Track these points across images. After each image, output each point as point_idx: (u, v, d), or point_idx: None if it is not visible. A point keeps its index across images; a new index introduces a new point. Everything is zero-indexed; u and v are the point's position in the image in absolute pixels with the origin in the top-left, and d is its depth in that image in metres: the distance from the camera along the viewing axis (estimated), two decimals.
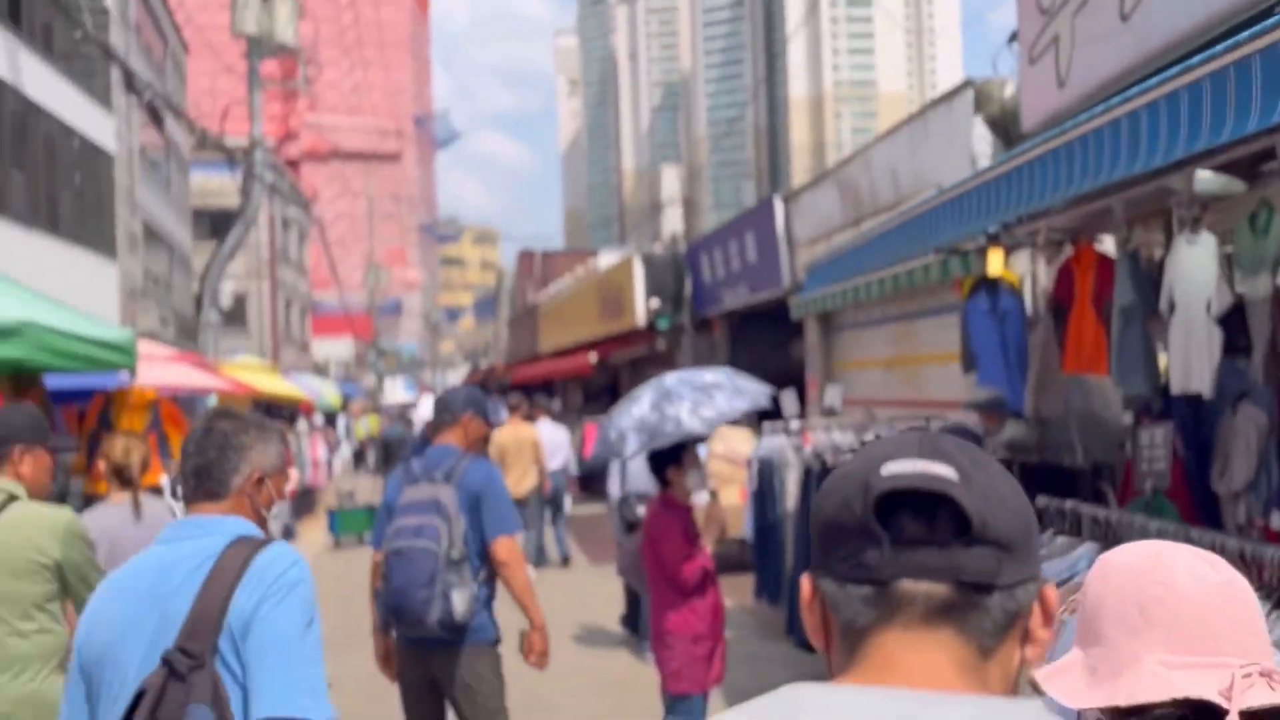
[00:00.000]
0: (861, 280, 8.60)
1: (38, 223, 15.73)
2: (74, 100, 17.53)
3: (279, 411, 17.11)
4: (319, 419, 20.17)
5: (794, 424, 7.91)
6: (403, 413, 24.19)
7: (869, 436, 6.97)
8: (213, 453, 2.15)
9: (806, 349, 11.97)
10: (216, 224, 29.62)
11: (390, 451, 13.48)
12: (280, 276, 36.77)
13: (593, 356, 19.02)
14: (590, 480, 17.82)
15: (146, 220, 22.95)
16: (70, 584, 3.13)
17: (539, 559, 11.05)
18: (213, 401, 16.49)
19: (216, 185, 31.82)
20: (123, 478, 4.28)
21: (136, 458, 4.30)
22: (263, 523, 2.20)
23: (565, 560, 11.43)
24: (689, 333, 16.14)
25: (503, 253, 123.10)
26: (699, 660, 4.14)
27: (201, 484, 2.15)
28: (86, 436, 6.30)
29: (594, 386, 23.95)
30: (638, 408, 4.20)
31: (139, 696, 1.84)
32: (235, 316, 32.21)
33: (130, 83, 16.84)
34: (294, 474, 16.29)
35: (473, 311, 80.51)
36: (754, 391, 4.37)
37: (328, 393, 22.44)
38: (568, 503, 12.16)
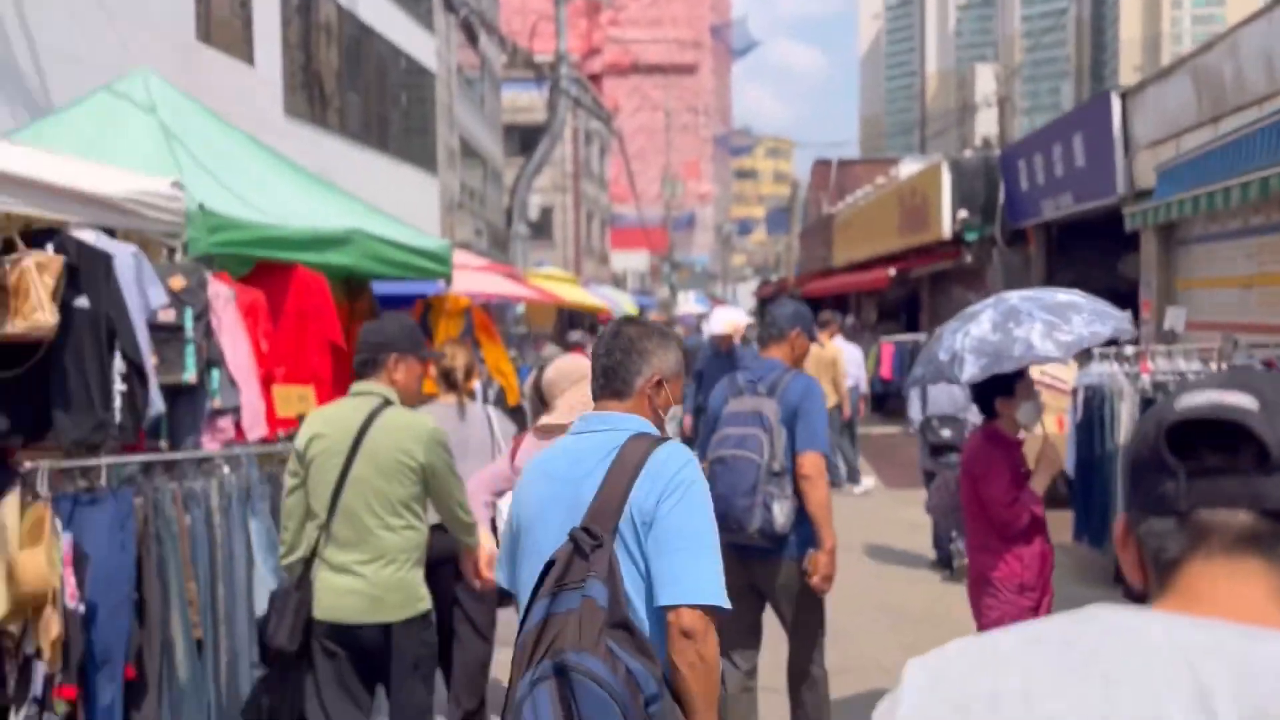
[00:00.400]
0: (1218, 186, 7.47)
1: (369, 141, 17.02)
2: (402, 23, 18.66)
3: (580, 320, 17.75)
4: None
5: (1128, 349, 7.04)
6: (700, 324, 24.51)
7: (1222, 366, 6.06)
8: (619, 355, 2.33)
9: (1142, 265, 10.71)
10: (525, 139, 31.01)
11: (689, 361, 13.62)
12: (582, 189, 38.05)
13: (890, 271, 18.20)
14: (883, 400, 17.22)
15: (463, 136, 24.32)
16: (431, 486, 3.35)
17: (834, 478, 10.80)
18: (520, 310, 17.39)
19: (526, 101, 33.22)
20: (449, 381, 4.57)
21: (462, 362, 4.58)
22: (660, 423, 2.35)
23: (854, 480, 11.12)
24: (1000, 246, 14.98)
25: (796, 164, 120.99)
26: (1024, 611, 3.72)
27: (609, 383, 2.33)
28: None
29: (890, 302, 23.04)
30: (976, 327, 3.74)
31: (549, 565, 2.08)
32: (541, 229, 33.79)
33: (449, 3, 17.67)
34: None
35: (764, 224, 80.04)
36: (1117, 316, 3.79)
37: (625, 303, 23.06)
38: (859, 423, 11.76)
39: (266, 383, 4.33)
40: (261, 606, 3.77)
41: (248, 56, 12.78)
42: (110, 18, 9.33)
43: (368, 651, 3.27)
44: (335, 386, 4.78)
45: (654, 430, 2.28)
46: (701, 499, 2.14)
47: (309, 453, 3.29)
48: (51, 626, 3.18)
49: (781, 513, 3.66)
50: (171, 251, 4.15)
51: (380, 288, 6.71)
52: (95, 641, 3.32)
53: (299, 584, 3.28)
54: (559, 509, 2.18)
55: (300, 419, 4.34)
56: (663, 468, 2.12)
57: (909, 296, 21.35)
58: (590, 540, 2.06)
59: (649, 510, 2.09)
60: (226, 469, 3.83)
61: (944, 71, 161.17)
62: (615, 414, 2.30)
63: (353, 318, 5.95)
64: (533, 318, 17.20)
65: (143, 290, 3.67)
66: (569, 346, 14.60)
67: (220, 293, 4.13)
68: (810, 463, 3.71)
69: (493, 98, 29.92)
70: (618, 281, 45.68)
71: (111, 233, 3.79)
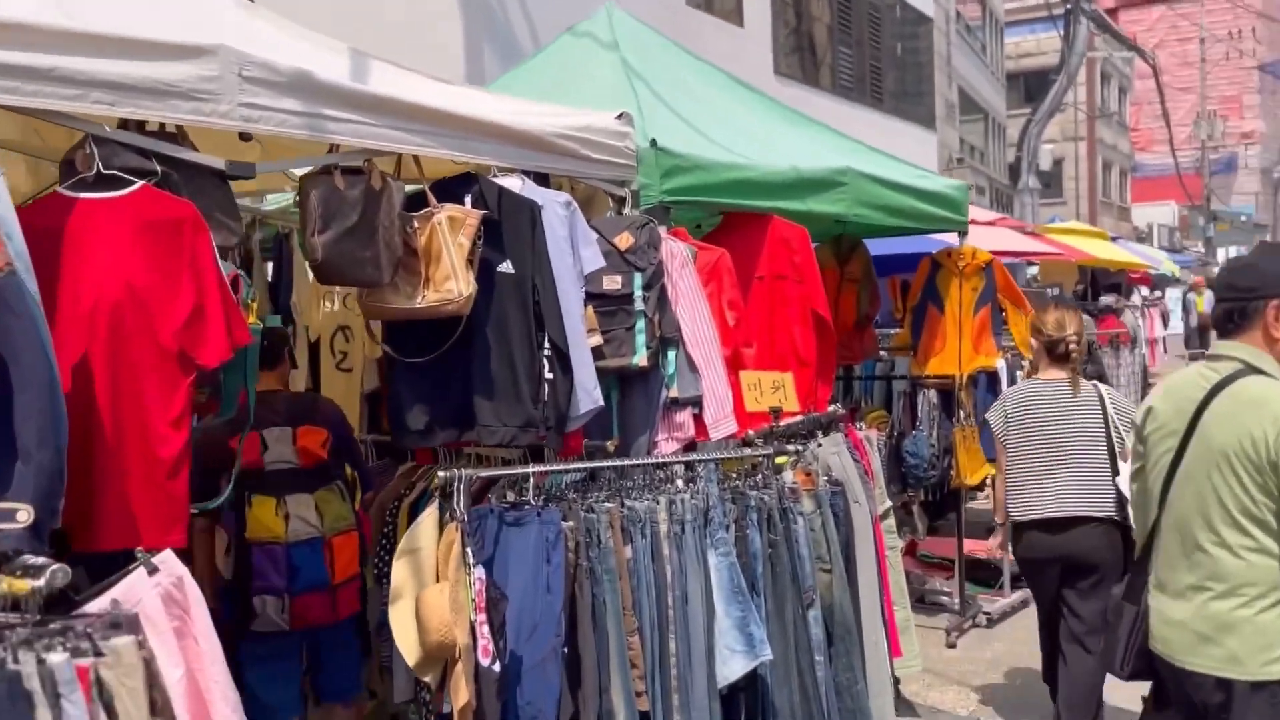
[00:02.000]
0: None
1: (862, 97, 15.98)
2: None
3: (1107, 280, 15.23)
4: (1150, 291, 17.64)
5: None
6: None
7: None
8: None
9: None
10: (1031, 88, 28.32)
11: None
12: (1098, 136, 33.99)
13: None
14: None
15: (962, 88, 22.44)
16: None
17: None
18: (1033, 271, 15.28)
19: (1032, 45, 30.42)
20: (1056, 353, 3.78)
21: (1073, 329, 3.78)
22: None
23: None
24: None
25: None
26: None
27: None
28: (910, 310, 5.40)
29: None
30: None
31: None
32: (1049, 183, 30.73)
33: None
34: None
35: None
36: None
37: (1164, 260, 19.64)
38: None
39: (734, 366, 3.37)
40: (726, 674, 2.80)
41: (737, 18, 12.35)
42: None
43: (1210, 708, 2.39)
44: (820, 371, 3.70)
45: None
46: None
47: (1146, 429, 2.57)
48: (460, 690, 2.45)
49: None
50: (621, 202, 3.33)
51: (875, 246, 5.53)
52: (517, 708, 2.56)
53: (1132, 596, 2.61)
54: None
55: (774, 413, 3.32)
56: None
57: None
58: None
59: None
60: (680, 482, 2.90)
61: None
62: None
63: (842, 284, 4.87)
64: (1047, 280, 15.08)
65: (575, 250, 2.85)
66: (1098, 314, 12.37)
67: (676, 253, 3.23)
68: None
69: (995, 44, 27.48)
70: (1141, 237, 40.47)
71: (545, 181, 3.03)
